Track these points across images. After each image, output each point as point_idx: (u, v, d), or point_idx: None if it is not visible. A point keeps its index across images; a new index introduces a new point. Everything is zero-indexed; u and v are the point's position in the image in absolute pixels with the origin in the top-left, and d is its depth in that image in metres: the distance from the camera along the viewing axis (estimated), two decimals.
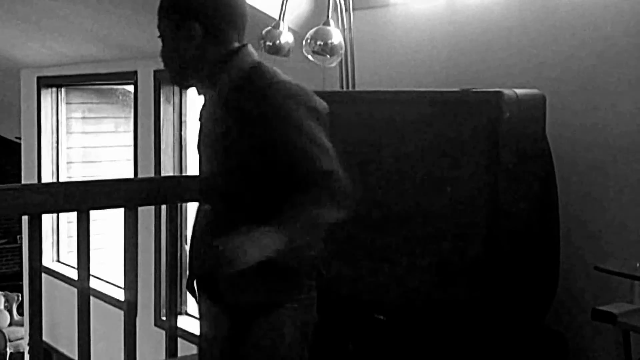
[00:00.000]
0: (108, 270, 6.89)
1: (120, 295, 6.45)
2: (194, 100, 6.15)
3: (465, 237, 2.77)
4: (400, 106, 3.04)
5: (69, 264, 7.74)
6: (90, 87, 8.09)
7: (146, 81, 6.27)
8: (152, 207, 5.29)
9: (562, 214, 2.91)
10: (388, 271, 3.06)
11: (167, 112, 6.12)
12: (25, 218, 7.58)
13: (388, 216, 3.08)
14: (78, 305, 3.65)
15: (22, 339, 10.49)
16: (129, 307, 3.76)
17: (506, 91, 2.65)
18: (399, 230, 3.02)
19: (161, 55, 2.50)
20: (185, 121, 6.18)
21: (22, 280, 10.03)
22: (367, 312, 3.11)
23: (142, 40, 5.99)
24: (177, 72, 2.50)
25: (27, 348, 8.64)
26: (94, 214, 3.65)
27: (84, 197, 3.60)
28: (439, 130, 2.85)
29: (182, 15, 2.40)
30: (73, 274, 7.30)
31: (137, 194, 3.79)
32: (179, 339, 3.94)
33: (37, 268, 3.59)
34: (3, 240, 13.82)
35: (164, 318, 5.68)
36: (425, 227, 2.92)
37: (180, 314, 5.63)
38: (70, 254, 8.01)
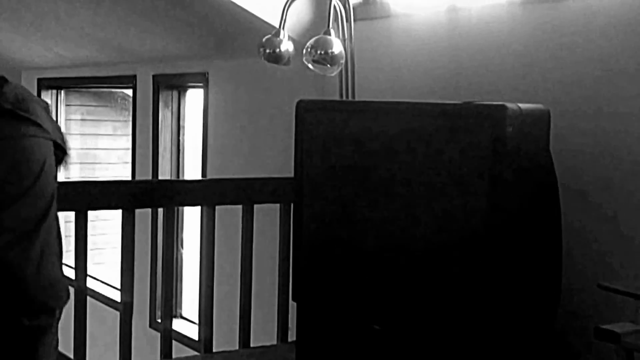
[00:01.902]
0: (107, 270, 6.83)
1: (115, 295, 6.40)
2: (192, 105, 6.10)
3: (464, 252, 2.69)
4: (401, 117, 2.97)
5: (66, 263, 7.66)
6: (89, 89, 8.04)
7: (145, 85, 6.22)
8: (149, 210, 5.24)
9: (565, 230, 2.83)
10: (385, 282, 2.98)
11: (165, 117, 6.08)
12: None
13: (384, 229, 3.00)
14: (75, 305, 3.58)
15: None
16: (125, 309, 3.70)
17: (510, 105, 2.58)
18: (397, 242, 2.94)
19: None
20: (183, 126, 6.14)
21: None
22: (365, 322, 3.05)
23: (141, 44, 5.94)
24: None
25: None
26: (99, 214, 3.60)
27: (82, 197, 3.55)
28: (440, 143, 2.78)
29: None
30: (70, 273, 7.27)
31: (135, 196, 3.74)
32: (173, 342, 3.87)
33: None
34: None
35: (159, 320, 5.62)
36: (423, 241, 2.85)
37: (175, 317, 5.57)
38: (67, 253, 7.93)
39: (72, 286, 3.68)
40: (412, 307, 2.89)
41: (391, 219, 2.97)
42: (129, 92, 7.10)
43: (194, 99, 6.03)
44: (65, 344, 5.86)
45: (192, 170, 6.11)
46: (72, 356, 3.68)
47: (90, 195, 3.60)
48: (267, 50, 3.70)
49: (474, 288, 2.66)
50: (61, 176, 8.03)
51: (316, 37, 3.52)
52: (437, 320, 2.81)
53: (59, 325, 2.50)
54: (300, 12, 4.10)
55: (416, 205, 2.87)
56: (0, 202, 2.22)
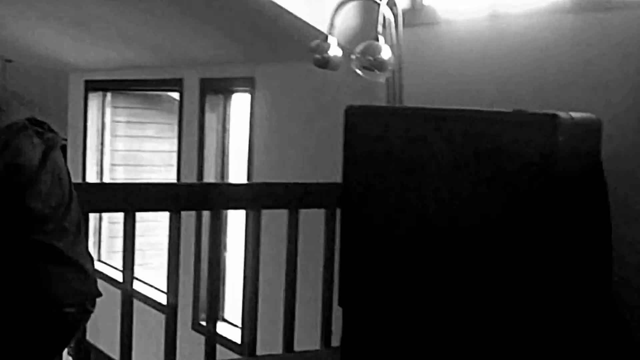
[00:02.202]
0: (148, 272, 6.88)
1: (157, 297, 6.44)
2: (238, 109, 6.12)
3: (513, 262, 2.67)
4: (450, 124, 2.95)
5: (109, 263, 7.75)
6: (135, 92, 8.10)
7: (192, 89, 6.25)
8: (193, 212, 5.27)
9: (615, 240, 2.79)
10: (434, 288, 2.97)
11: (211, 120, 6.10)
12: None
13: (433, 235, 2.98)
14: (121, 306, 3.61)
15: None
16: (170, 311, 3.71)
17: (561, 114, 2.54)
18: (446, 248, 2.93)
19: None
20: (228, 129, 6.15)
21: None
22: (411, 328, 3.03)
23: (189, 48, 5.98)
24: None
25: None
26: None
27: (131, 198, 3.57)
28: (489, 151, 2.75)
29: None
30: (113, 273, 7.34)
31: (182, 198, 3.76)
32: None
33: None
34: None
35: (201, 322, 5.65)
36: (472, 247, 2.83)
37: (218, 319, 5.59)
38: (110, 253, 8.02)
39: (119, 288, 3.71)
40: (462, 312, 2.87)
41: (440, 226, 2.95)
42: (175, 95, 7.15)
43: (240, 102, 6.05)
44: (111, 345, 5.93)
45: (236, 174, 6.13)
46: (117, 358, 3.70)
47: (138, 197, 3.62)
48: (316, 55, 3.71)
49: (530, 299, 2.63)
50: (106, 178, 8.12)
51: (365, 43, 3.51)
52: (488, 327, 2.79)
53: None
54: (348, 18, 4.09)
55: (465, 213, 2.85)
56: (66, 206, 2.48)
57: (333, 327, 3.95)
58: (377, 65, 3.47)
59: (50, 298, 2.45)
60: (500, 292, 2.74)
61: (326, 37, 3.73)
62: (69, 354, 8.38)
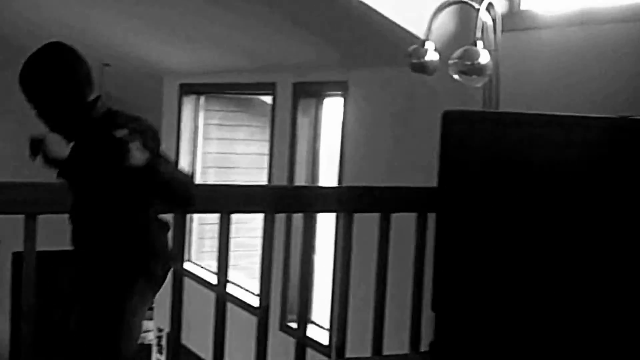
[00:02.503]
0: (237, 273, 6.94)
1: (245, 297, 6.51)
2: (330, 113, 6.14)
3: (619, 272, 2.62)
4: (552, 130, 2.92)
5: (199, 264, 7.85)
6: (228, 95, 8.18)
7: (284, 93, 6.28)
8: (282, 215, 5.30)
9: None
10: (532, 295, 2.93)
11: (303, 124, 6.12)
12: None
13: (531, 241, 2.95)
14: (215, 308, 3.65)
15: (148, 331, 10.65)
16: (263, 312, 3.74)
17: None
18: (546, 254, 2.89)
19: None
20: (320, 133, 6.16)
21: None
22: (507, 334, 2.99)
23: (282, 52, 6.02)
24: None
25: (154, 341, 8.78)
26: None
27: (226, 200, 3.61)
28: (594, 156, 2.71)
29: None
30: (203, 274, 7.44)
31: (277, 200, 3.79)
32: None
33: (178, 270, 3.62)
34: None
35: (289, 323, 5.68)
36: (575, 256, 2.78)
37: (308, 322, 5.62)
38: (200, 254, 8.12)
39: (212, 290, 3.76)
40: (566, 320, 2.83)
41: (543, 231, 2.91)
42: (267, 98, 7.20)
43: (332, 106, 6.07)
44: (203, 347, 5.99)
45: (326, 178, 6.15)
46: (209, 359, 3.74)
47: (233, 199, 3.66)
48: (413, 60, 3.71)
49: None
50: (198, 180, 8.21)
51: (463, 48, 3.49)
52: (592, 338, 2.74)
53: None
54: (445, 23, 4.07)
55: (569, 218, 2.81)
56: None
57: (422, 332, 3.94)
58: (475, 70, 3.45)
59: (170, 256, 3.16)
60: (605, 299, 2.69)
61: (423, 42, 3.72)
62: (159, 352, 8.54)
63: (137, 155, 2.67)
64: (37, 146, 2.90)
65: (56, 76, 2.88)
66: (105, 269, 2.96)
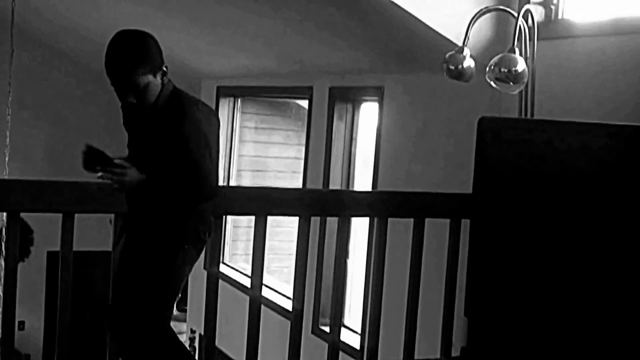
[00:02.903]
0: (269, 276, 6.98)
1: (278, 300, 6.53)
2: (366, 118, 6.15)
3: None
4: (586, 137, 2.91)
5: (232, 266, 7.89)
6: (265, 98, 8.22)
7: (321, 97, 6.30)
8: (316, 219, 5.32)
9: None
10: (564, 301, 2.93)
11: (339, 128, 6.14)
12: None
13: (565, 247, 2.95)
14: (249, 311, 3.67)
15: (180, 333, 10.71)
16: (296, 315, 3.76)
17: None
18: (578, 260, 2.89)
19: None
20: (355, 138, 6.18)
21: None
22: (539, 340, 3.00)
23: (320, 57, 6.04)
24: None
25: (187, 342, 8.82)
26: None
27: (262, 202, 3.63)
28: (625, 165, 2.71)
29: None
30: (235, 275, 7.47)
31: (311, 204, 3.81)
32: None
33: (214, 272, 3.65)
34: None
35: (321, 327, 5.70)
36: (604, 260, 2.78)
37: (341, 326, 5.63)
38: (234, 256, 8.17)
39: (245, 293, 3.77)
40: (599, 329, 2.83)
41: (573, 238, 2.92)
42: (303, 102, 7.22)
43: (369, 112, 6.08)
44: (235, 349, 6.02)
45: (361, 183, 6.16)
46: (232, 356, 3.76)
47: (269, 201, 3.68)
48: (450, 67, 3.71)
49: None
50: (232, 182, 8.20)
51: (500, 55, 3.50)
52: (622, 341, 2.74)
53: None
54: (482, 30, 4.08)
55: (604, 226, 2.81)
56: None
57: (453, 337, 3.94)
58: (511, 77, 3.46)
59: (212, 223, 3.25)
60: (629, 308, 2.69)
61: (461, 49, 3.73)
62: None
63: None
64: (97, 159, 2.95)
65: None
66: (159, 232, 3.06)
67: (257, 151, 8.40)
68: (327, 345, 3.95)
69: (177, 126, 3.02)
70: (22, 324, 10.08)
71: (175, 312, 11.43)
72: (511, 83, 3.48)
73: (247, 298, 3.75)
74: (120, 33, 3.04)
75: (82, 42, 8.97)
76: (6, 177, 6.92)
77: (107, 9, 7.28)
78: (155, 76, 3.06)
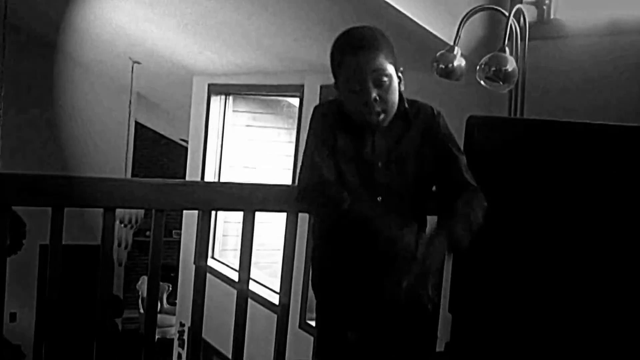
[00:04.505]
0: (257, 271, 6.96)
1: (265, 294, 6.51)
2: None
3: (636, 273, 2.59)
4: (576, 137, 2.88)
5: (222, 261, 7.86)
6: (256, 96, 8.19)
7: (312, 95, 6.27)
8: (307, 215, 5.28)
9: None
10: (550, 298, 2.90)
11: None
12: (187, 213, 7.76)
13: (550, 244, 2.92)
14: (236, 304, 3.61)
15: (170, 326, 10.70)
16: (283, 310, 3.72)
17: None
18: (563, 259, 2.86)
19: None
20: None
21: (172, 272, 10.25)
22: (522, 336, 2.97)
23: (311, 54, 6.00)
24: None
25: (176, 335, 8.81)
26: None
27: (251, 198, 3.58)
28: (615, 165, 2.68)
29: None
30: (225, 271, 7.45)
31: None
32: None
33: (202, 266, 3.59)
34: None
35: (308, 321, 5.67)
36: (594, 263, 2.76)
37: None
38: (222, 251, 8.14)
39: (233, 287, 3.74)
40: (581, 326, 2.81)
41: (557, 235, 2.89)
42: (293, 100, 7.19)
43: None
44: (214, 334, 6.01)
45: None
46: (230, 356, 3.73)
47: (257, 197, 3.63)
48: (441, 65, 3.68)
49: None
50: (224, 179, 8.18)
51: (491, 54, 3.46)
52: (607, 337, 2.71)
53: None
54: (473, 29, 4.04)
55: (588, 225, 2.78)
56: None
57: (438, 333, 3.91)
58: (501, 76, 3.42)
59: None
60: (628, 306, 2.66)
61: (452, 48, 3.70)
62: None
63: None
64: None
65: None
66: None
67: (249, 148, 8.38)
68: (313, 339, 3.91)
69: None
70: (13, 315, 10.07)
71: (165, 305, 11.49)
72: (501, 82, 3.44)
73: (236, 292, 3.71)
74: None
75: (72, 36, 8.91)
76: None
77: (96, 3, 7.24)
78: None
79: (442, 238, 2.55)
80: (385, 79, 2.65)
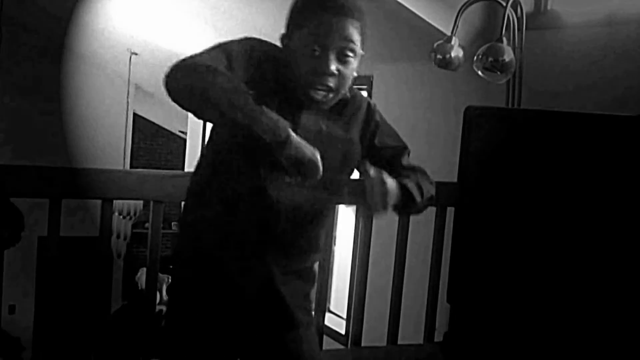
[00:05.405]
0: None
1: None
2: None
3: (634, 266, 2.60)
4: (573, 127, 2.89)
5: None
6: None
7: None
8: None
9: None
10: (544, 289, 2.92)
11: None
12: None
13: (547, 236, 2.94)
14: None
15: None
16: None
17: None
18: (562, 253, 2.88)
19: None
20: None
21: (172, 264, 10.24)
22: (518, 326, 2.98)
23: None
24: None
25: None
26: None
27: None
28: (610, 155, 2.69)
29: None
30: None
31: None
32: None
33: None
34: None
35: None
36: (591, 253, 2.77)
37: (326, 311, 5.61)
38: None
39: None
40: (577, 316, 2.82)
41: (556, 226, 2.90)
42: None
43: None
44: None
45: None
46: None
47: None
48: (439, 56, 3.69)
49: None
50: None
51: (488, 45, 3.48)
52: (603, 333, 2.73)
53: None
54: (471, 20, 4.06)
55: (587, 215, 2.79)
56: None
57: (437, 323, 3.93)
58: (498, 66, 3.43)
59: None
60: (624, 297, 2.67)
61: (450, 38, 3.70)
62: None
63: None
64: None
65: None
66: None
67: None
68: None
69: None
70: (12, 307, 10.06)
71: (164, 297, 11.55)
72: (498, 72, 3.45)
73: None
74: None
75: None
76: None
77: None
78: None
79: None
80: (351, 54, 2.25)
